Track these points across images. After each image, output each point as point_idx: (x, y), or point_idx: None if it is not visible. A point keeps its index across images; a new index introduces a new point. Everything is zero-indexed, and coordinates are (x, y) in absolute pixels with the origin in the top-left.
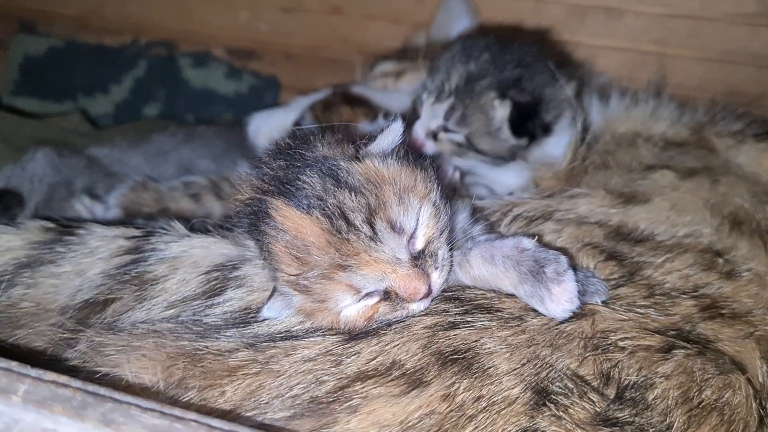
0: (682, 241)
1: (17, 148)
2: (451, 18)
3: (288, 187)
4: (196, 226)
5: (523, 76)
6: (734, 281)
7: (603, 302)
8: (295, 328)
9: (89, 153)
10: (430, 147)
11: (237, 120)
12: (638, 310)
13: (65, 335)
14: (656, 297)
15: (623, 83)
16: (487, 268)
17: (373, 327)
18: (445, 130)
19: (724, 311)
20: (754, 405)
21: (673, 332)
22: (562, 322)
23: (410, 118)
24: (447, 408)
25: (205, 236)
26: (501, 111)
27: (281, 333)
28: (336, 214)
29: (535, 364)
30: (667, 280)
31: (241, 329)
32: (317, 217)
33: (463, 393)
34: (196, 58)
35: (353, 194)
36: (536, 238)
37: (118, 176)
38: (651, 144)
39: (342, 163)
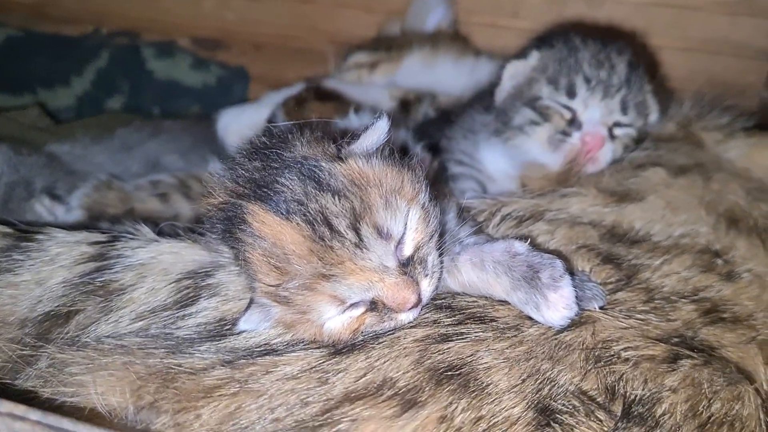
0: (679, 241)
1: None
2: (427, 7)
3: (265, 190)
4: (164, 229)
5: None
6: (734, 283)
7: (601, 308)
8: (275, 341)
9: (49, 150)
10: (607, 149)
11: (205, 113)
12: (638, 316)
13: (24, 351)
14: (656, 302)
15: None
16: (477, 274)
17: (359, 340)
18: (619, 125)
19: (725, 315)
20: (762, 416)
21: (676, 340)
22: (560, 331)
23: (395, 117)
24: (445, 431)
25: (175, 241)
26: (650, 95)
27: (260, 347)
28: (318, 219)
29: (536, 380)
30: (665, 284)
31: (216, 343)
32: (298, 224)
33: (461, 414)
34: (160, 48)
35: (336, 198)
36: (528, 241)
37: (79, 174)
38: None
39: (324, 164)
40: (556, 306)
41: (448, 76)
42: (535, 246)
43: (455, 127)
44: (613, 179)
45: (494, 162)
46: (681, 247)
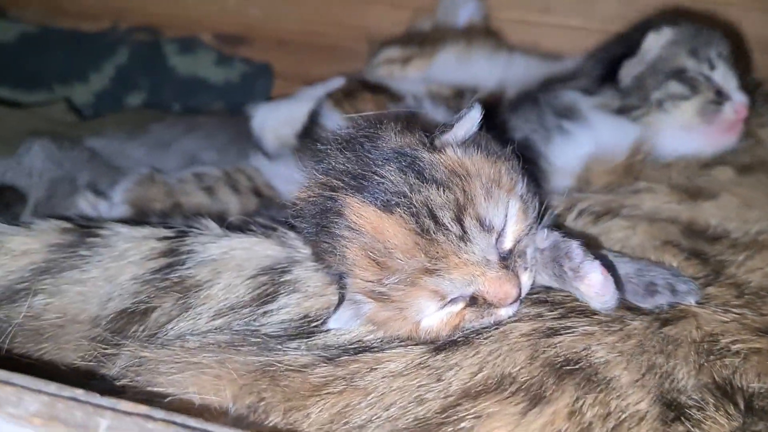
0: (757, 238)
1: (1, 139)
2: (458, 2)
3: (362, 182)
4: (233, 224)
5: None
6: None
7: (697, 302)
8: (368, 338)
9: (89, 144)
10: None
11: (230, 109)
12: (735, 311)
13: (103, 349)
14: (746, 297)
15: None
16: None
17: (459, 336)
18: None
19: None
20: None
21: None
22: (664, 324)
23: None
24: (575, 428)
25: (244, 236)
26: None
27: (353, 344)
28: (423, 212)
29: (656, 374)
30: (751, 279)
31: (305, 340)
32: (401, 216)
33: (589, 410)
34: (182, 44)
35: (441, 189)
36: (546, 233)
37: (119, 170)
38: None
39: (423, 155)
40: (590, 296)
41: (483, 71)
42: (617, 242)
43: (517, 118)
44: (681, 176)
45: (564, 155)
46: (760, 243)
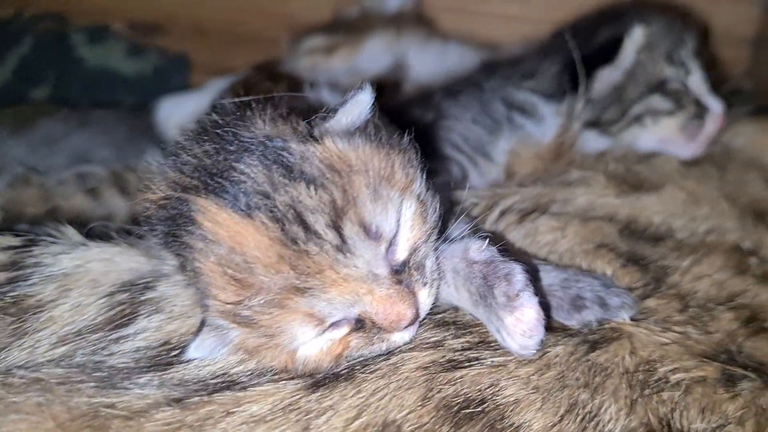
0: (706, 238)
1: None
2: None
3: (219, 180)
4: (95, 231)
5: None
6: None
7: (632, 319)
8: (235, 369)
9: None
10: None
11: (143, 104)
12: (676, 328)
13: None
14: (691, 310)
15: None
16: (441, 287)
17: (344, 367)
18: None
19: (767, 324)
20: None
21: (724, 357)
22: (592, 349)
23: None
24: None
25: (106, 245)
26: None
27: (216, 378)
28: (289, 216)
29: (577, 415)
30: (698, 288)
31: (160, 374)
32: (262, 222)
33: None
34: (91, 33)
35: (312, 188)
36: (487, 240)
37: None
38: None
39: (293, 145)
40: (513, 333)
41: (415, 61)
42: (543, 247)
43: (455, 106)
44: (620, 165)
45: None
46: (708, 246)
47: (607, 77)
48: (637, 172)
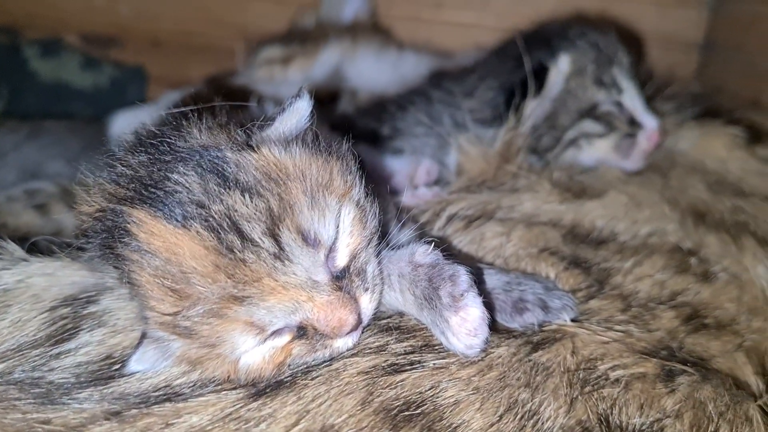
0: (648, 240)
1: None
2: None
3: (153, 191)
4: (39, 246)
5: None
6: (711, 284)
7: (573, 320)
8: (178, 381)
9: None
10: None
11: (100, 117)
12: (618, 327)
13: None
14: (633, 309)
15: None
16: (387, 291)
17: (287, 375)
18: None
19: (707, 321)
20: None
21: (664, 353)
22: (534, 350)
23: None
24: None
25: (49, 259)
26: None
27: (158, 390)
28: (225, 225)
29: (516, 414)
30: (640, 289)
31: (101, 388)
32: (198, 232)
33: None
34: (44, 46)
35: (247, 196)
36: (432, 245)
37: None
38: None
39: (229, 154)
40: (458, 332)
41: (370, 70)
42: (490, 251)
43: (405, 119)
44: (563, 173)
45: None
46: (650, 247)
47: (536, 108)
48: (580, 180)
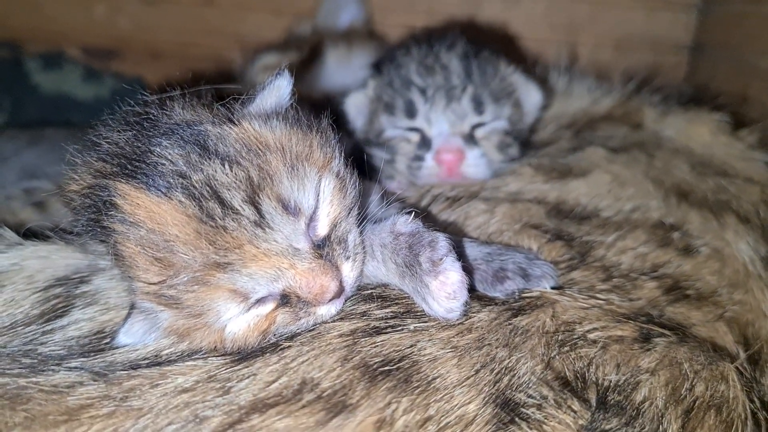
0: (631, 216)
1: None
2: (339, 5)
3: (138, 164)
4: (34, 232)
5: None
6: (693, 258)
7: (554, 288)
8: (167, 351)
9: None
10: (473, 156)
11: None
12: (600, 296)
13: None
14: (615, 280)
15: None
16: (370, 262)
17: (272, 342)
18: (480, 125)
19: (689, 292)
20: (745, 399)
21: (643, 318)
22: (515, 315)
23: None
24: None
25: (43, 244)
26: (518, 76)
27: (147, 359)
28: (205, 193)
29: (492, 369)
30: (622, 261)
31: (90, 359)
32: (180, 201)
33: (403, 416)
34: (46, 60)
35: (227, 165)
36: (413, 213)
37: None
38: (566, 128)
39: (210, 128)
40: (438, 296)
41: (365, 74)
42: (477, 227)
43: None
44: (546, 159)
45: None
46: (633, 222)
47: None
48: (566, 162)
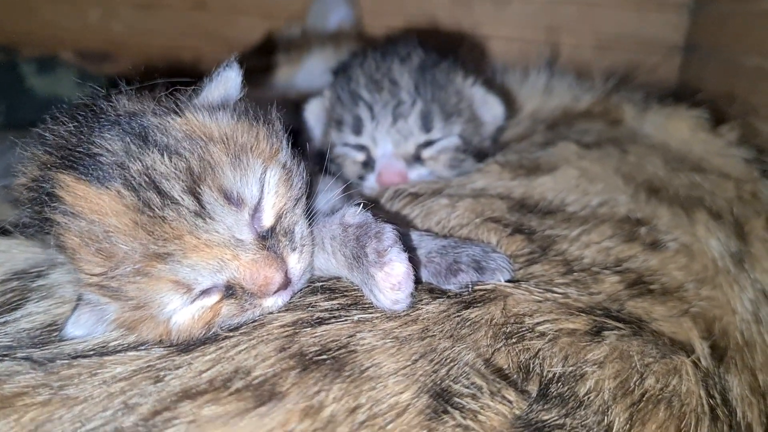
0: (597, 211)
1: None
2: (328, 7)
3: (79, 156)
4: None
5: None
6: (660, 253)
7: (508, 281)
8: (114, 343)
9: None
10: (417, 176)
11: None
12: (557, 290)
13: None
14: (576, 274)
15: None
16: (320, 255)
17: (215, 333)
18: (428, 144)
19: (653, 287)
20: (703, 393)
21: (599, 312)
22: (466, 307)
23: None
24: (311, 427)
25: (4, 238)
26: (477, 89)
27: (93, 350)
28: (143, 184)
29: (431, 360)
30: (585, 255)
31: (38, 349)
32: (118, 191)
33: (332, 404)
34: (40, 63)
35: (166, 155)
36: (361, 205)
37: None
38: (541, 123)
39: (153, 119)
40: (383, 287)
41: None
42: (436, 223)
43: None
44: (514, 156)
45: None
46: (600, 217)
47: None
48: (534, 158)
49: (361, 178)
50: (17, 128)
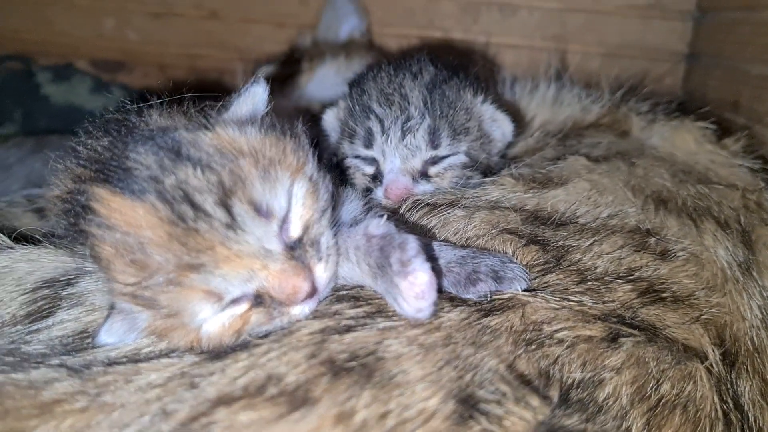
0: (608, 222)
1: None
2: (339, 17)
3: (114, 169)
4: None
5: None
6: (670, 262)
7: (525, 290)
8: (146, 350)
9: None
10: (423, 192)
11: None
12: (572, 298)
13: None
14: (589, 283)
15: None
16: (345, 264)
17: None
18: (435, 160)
19: (664, 295)
20: (716, 399)
21: (614, 319)
22: (486, 315)
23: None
24: (346, 430)
25: (33, 247)
26: (486, 107)
27: (126, 356)
28: (177, 196)
29: (456, 366)
30: (597, 265)
31: (73, 356)
32: (152, 204)
33: (363, 410)
34: (56, 72)
35: (198, 169)
36: (385, 217)
37: None
38: (552, 136)
39: (185, 134)
40: (407, 296)
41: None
42: (454, 233)
43: None
44: (527, 169)
45: None
46: (610, 228)
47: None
48: (546, 171)
49: (369, 191)
50: (33, 135)
